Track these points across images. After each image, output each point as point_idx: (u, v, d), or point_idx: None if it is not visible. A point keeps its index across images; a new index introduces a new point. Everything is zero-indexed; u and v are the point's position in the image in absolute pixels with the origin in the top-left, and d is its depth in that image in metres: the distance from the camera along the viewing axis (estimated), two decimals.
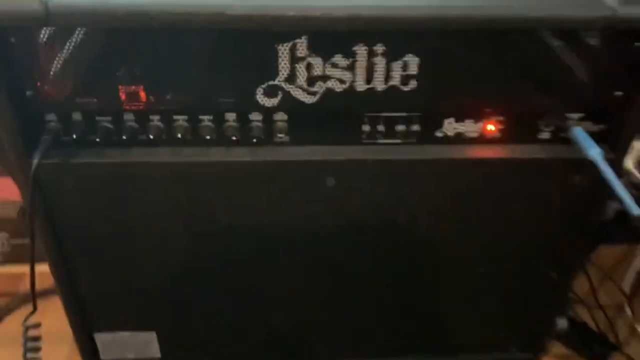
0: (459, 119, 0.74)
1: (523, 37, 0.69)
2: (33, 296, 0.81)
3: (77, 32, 0.66)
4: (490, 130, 0.75)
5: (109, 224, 0.79)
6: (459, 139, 0.75)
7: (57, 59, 0.68)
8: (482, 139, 0.75)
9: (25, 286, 1.23)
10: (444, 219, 0.80)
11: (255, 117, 0.73)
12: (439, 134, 0.75)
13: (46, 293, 1.06)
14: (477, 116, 0.74)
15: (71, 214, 0.78)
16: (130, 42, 0.68)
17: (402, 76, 0.70)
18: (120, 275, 0.86)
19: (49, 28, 0.65)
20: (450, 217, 0.80)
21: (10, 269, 1.29)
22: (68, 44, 0.67)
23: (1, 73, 0.65)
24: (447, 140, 0.75)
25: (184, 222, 0.79)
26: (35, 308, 0.82)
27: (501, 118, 0.74)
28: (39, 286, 0.80)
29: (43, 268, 0.81)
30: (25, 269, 0.79)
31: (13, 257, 1.29)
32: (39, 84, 0.69)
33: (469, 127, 0.75)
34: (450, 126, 0.76)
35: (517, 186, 0.77)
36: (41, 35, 0.66)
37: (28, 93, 0.69)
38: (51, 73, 0.69)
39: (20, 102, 0.69)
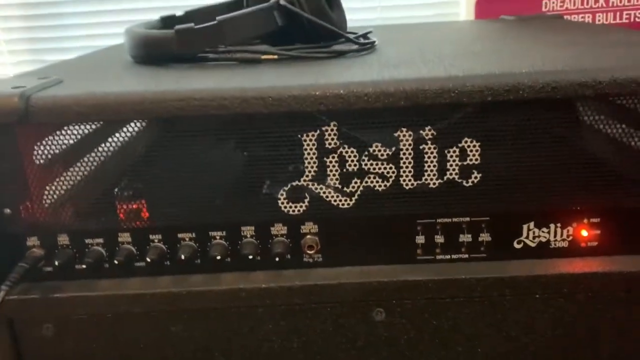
0: (541, 223, 0.60)
1: (626, 106, 0.54)
2: None
3: (69, 139, 0.57)
4: (584, 237, 0.60)
5: None
6: (544, 251, 0.60)
7: (46, 172, 0.58)
8: (575, 250, 0.61)
9: None
10: None
11: (279, 229, 0.58)
12: (516, 245, 0.59)
13: None
14: (565, 219, 0.60)
15: None
16: (131, 154, 0.59)
17: (460, 167, 0.56)
18: None
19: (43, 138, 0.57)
20: None
21: None
22: (60, 155, 0.58)
23: None
24: (527, 252, 0.60)
25: None
26: None
27: (596, 220, 0.59)
28: None
29: None
30: None
31: None
32: (21, 202, 0.58)
33: (555, 234, 0.59)
34: (530, 233, 0.58)
35: (628, 315, 0.59)
36: (27, 142, 0.56)
37: (6, 211, 0.58)
38: (38, 190, 0.58)
39: None
